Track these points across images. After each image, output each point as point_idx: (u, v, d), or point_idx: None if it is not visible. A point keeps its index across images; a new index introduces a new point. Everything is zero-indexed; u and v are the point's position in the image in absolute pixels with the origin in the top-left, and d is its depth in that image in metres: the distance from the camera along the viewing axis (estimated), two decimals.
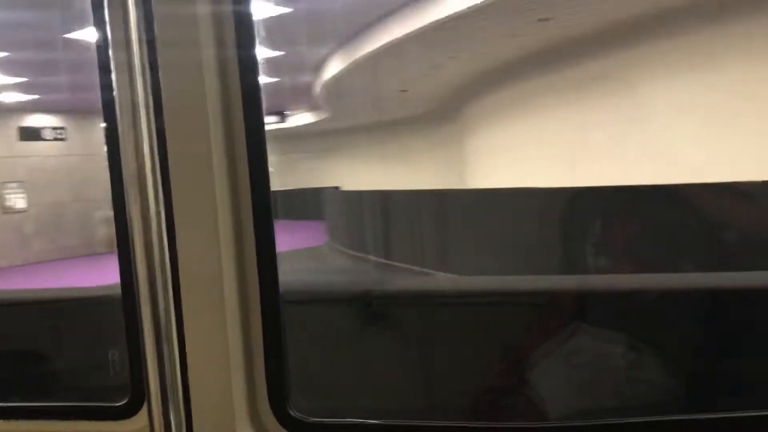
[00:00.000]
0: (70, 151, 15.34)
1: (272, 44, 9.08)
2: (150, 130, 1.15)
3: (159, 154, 1.17)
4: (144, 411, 1.24)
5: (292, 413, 1.26)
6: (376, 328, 1.96)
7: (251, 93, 1.19)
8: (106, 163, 1.22)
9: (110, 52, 1.15)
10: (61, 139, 15.47)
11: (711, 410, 1.42)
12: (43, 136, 15.27)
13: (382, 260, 9.85)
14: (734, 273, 1.80)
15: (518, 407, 1.82)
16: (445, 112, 15.45)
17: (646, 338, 1.76)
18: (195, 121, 1.17)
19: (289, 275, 1.29)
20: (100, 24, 1.18)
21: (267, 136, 1.20)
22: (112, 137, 1.19)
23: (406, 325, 1.99)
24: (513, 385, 1.83)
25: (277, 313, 1.25)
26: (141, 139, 1.14)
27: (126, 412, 1.30)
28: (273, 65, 10.41)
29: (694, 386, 1.71)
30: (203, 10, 1.17)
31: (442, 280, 1.92)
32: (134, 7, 1.13)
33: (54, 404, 1.41)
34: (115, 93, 1.15)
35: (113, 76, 1.15)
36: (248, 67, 1.19)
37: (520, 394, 1.80)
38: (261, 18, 1.22)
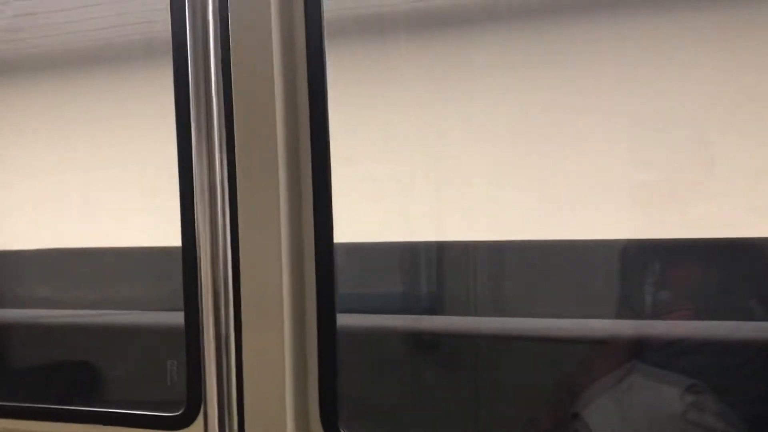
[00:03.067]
0: None
1: None
2: (221, 157, 1.20)
3: (228, 176, 1.22)
4: (199, 421, 1.27)
5: (342, 431, 1.28)
6: (429, 361, 1.97)
7: (319, 110, 1.23)
8: None
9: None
10: None
11: None
12: None
13: None
14: None
15: None
16: None
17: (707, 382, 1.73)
18: (263, 148, 1.21)
19: None
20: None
21: None
22: (184, 163, 1.24)
23: (458, 359, 1.99)
24: (566, 421, 1.81)
25: (332, 334, 1.27)
26: (214, 165, 1.19)
27: (181, 422, 1.34)
28: None
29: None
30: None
31: (495, 321, 1.94)
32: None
33: (110, 410, 1.46)
34: (193, 125, 1.20)
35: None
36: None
37: (572, 430, 1.79)
38: None
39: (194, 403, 1.31)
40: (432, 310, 2.11)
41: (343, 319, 1.33)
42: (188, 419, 1.34)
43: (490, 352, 2.00)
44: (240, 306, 1.22)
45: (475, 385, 1.97)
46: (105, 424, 1.44)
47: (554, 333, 1.95)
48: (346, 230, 1.31)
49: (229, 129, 1.21)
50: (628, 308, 1.96)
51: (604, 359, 1.89)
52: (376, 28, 2.29)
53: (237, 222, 1.22)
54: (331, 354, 1.26)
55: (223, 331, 1.21)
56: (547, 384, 1.89)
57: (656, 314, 1.90)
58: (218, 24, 1.22)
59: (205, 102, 1.20)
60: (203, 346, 1.21)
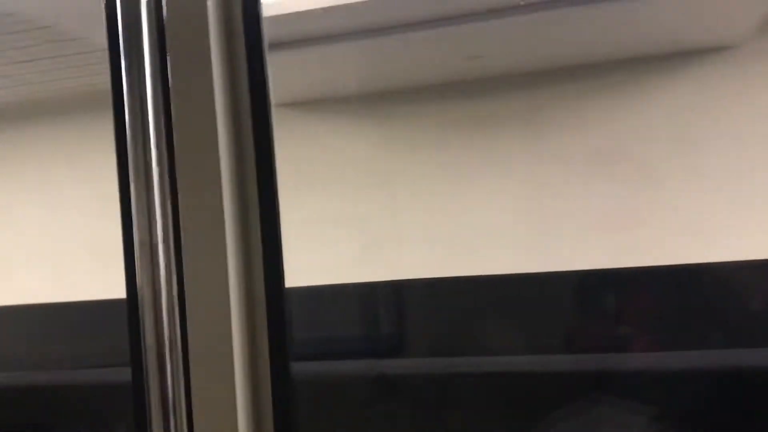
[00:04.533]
0: None
1: None
2: (163, 207, 1.16)
3: (173, 225, 1.17)
4: None
5: None
6: (390, 403, 1.94)
7: (265, 156, 1.20)
8: None
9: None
10: None
11: None
12: None
13: None
14: (758, 350, 1.77)
15: None
16: None
17: (670, 411, 1.73)
18: (208, 196, 1.17)
19: None
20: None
21: None
22: (125, 205, 1.20)
23: (422, 400, 1.96)
24: None
25: (287, 385, 1.23)
26: (154, 210, 1.15)
27: None
28: None
29: None
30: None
31: (457, 362, 1.93)
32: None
33: None
34: (131, 176, 1.16)
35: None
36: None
37: None
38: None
39: None
40: (390, 352, 2.08)
41: (299, 367, 1.28)
42: None
43: (455, 392, 1.97)
44: (188, 362, 1.17)
45: (443, 425, 1.94)
46: None
47: (519, 368, 1.93)
48: (297, 274, 1.27)
49: (172, 178, 1.18)
50: (589, 340, 1.95)
51: (570, 392, 1.87)
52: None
53: (182, 274, 1.17)
54: (286, 406, 1.21)
55: (170, 389, 1.15)
56: (515, 420, 1.86)
57: (619, 345, 1.90)
58: (158, 76, 1.19)
59: (143, 153, 1.16)
60: (149, 406, 1.15)
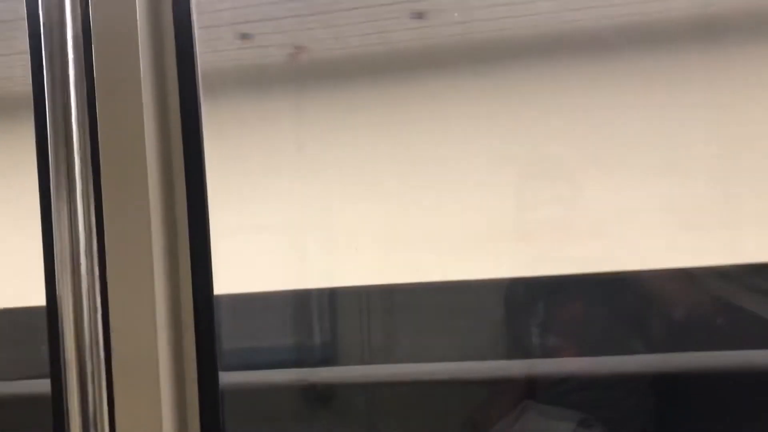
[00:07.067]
0: None
1: None
2: (86, 212, 1.12)
3: (96, 230, 1.13)
4: None
5: None
6: (323, 413, 1.92)
7: (194, 158, 1.18)
8: None
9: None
10: None
11: None
12: None
13: None
14: (688, 354, 1.83)
15: None
16: None
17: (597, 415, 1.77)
18: (133, 199, 1.14)
19: None
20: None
21: None
22: (45, 210, 1.15)
23: (351, 409, 1.95)
24: None
25: (215, 396, 1.20)
26: (76, 215, 1.11)
27: None
28: None
29: None
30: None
31: (388, 367, 1.95)
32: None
33: None
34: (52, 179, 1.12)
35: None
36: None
37: None
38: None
39: None
40: (325, 361, 2.06)
41: (228, 378, 1.26)
42: None
43: (384, 400, 1.97)
44: (111, 372, 1.13)
45: None
46: None
47: (447, 375, 1.94)
48: (227, 281, 1.25)
49: (96, 181, 1.13)
50: (517, 347, 1.98)
51: (497, 400, 1.89)
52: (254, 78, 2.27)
53: (106, 281, 1.13)
54: (214, 418, 1.18)
55: (91, 401, 1.11)
56: (442, 429, 1.87)
57: (546, 352, 1.93)
58: (82, 79, 1.15)
59: (65, 155, 1.12)
60: (68, 419, 1.10)
